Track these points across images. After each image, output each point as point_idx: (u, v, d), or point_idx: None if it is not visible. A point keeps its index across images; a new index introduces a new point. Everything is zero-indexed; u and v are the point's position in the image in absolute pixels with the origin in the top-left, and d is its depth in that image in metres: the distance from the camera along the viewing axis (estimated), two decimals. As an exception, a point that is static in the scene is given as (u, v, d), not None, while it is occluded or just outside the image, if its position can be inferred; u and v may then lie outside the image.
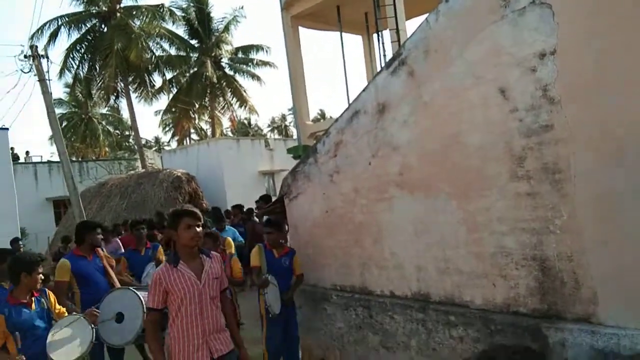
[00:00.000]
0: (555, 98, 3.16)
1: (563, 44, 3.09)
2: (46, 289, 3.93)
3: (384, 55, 12.33)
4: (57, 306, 3.94)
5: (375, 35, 13.41)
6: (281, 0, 13.66)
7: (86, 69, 22.93)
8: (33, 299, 3.70)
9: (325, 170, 5.08)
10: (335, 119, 5.16)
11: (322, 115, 52.34)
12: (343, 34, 14.68)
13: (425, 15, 3.99)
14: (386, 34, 12.02)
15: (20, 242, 10.44)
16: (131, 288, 4.61)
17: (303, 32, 14.82)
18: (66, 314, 3.91)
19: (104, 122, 36.78)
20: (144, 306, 4.38)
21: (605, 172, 2.99)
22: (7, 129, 15.92)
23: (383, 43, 12.52)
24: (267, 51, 28.31)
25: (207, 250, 3.32)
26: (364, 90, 4.60)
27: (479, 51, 3.56)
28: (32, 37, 20.67)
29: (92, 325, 3.78)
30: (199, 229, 3.12)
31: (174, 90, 27.00)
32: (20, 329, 3.49)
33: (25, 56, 12.74)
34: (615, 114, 2.93)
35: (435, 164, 3.97)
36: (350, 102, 4.84)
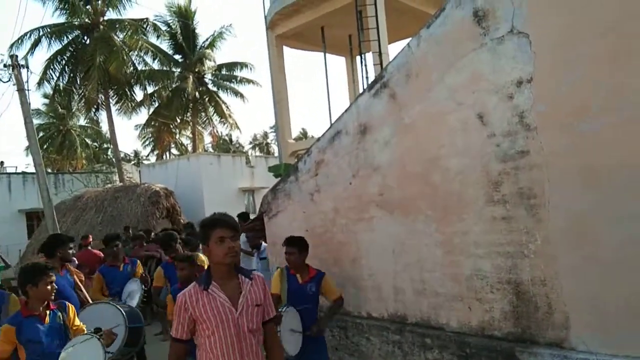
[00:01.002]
0: (531, 125, 3.24)
1: (539, 72, 3.19)
2: (66, 302, 3.67)
3: (367, 77, 12.54)
4: (76, 322, 3.66)
5: (358, 57, 13.61)
6: (266, 20, 13.81)
7: (66, 80, 22.66)
8: (48, 312, 3.45)
9: (306, 188, 5.08)
10: (317, 138, 5.19)
11: (304, 134, 52.56)
12: (327, 54, 14.88)
13: (408, 40, 4.07)
14: (369, 56, 12.22)
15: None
16: (110, 302, 4.49)
17: (287, 51, 14.99)
18: (85, 331, 3.58)
19: (82, 135, 36.25)
20: (126, 318, 4.25)
21: (579, 199, 3.06)
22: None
23: (366, 65, 12.74)
24: (251, 69, 28.48)
25: (247, 271, 2.72)
26: (346, 111, 4.65)
27: (458, 77, 3.64)
28: (11, 46, 20.41)
29: (106, 349, 3.35)
30: (234, 242, 2.53)
31: (155, 104, 26.84)
32: (28, 342, 3.32)
33: (4, 65, 12.57)
34: (589, 141, 3.01)
35: (415, 186, 4.01)
36: (333, 122, 4.88)
